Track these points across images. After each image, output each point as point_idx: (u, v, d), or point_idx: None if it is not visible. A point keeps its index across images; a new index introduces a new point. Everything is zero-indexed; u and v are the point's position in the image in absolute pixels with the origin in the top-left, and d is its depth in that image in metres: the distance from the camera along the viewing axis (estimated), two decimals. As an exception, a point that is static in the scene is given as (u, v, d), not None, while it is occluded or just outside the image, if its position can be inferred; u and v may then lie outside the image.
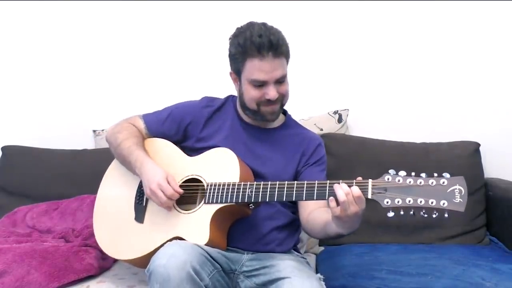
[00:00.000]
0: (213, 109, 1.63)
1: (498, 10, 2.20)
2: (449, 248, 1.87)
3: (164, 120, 1.63)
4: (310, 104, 2.28)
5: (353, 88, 2.32)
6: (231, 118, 1.61)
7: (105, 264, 1.70)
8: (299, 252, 1.64)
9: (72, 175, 2.16)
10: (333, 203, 1.23)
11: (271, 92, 1.47)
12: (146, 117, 1.67)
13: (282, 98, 1.53)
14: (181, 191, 1.44)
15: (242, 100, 1.55)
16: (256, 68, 1.45)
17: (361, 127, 2.28)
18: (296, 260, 1.52)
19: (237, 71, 1.52)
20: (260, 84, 1.47)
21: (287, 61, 1.53)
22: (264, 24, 1.47)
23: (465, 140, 2.11)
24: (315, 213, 1.45)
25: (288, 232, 1.56)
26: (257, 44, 1.42)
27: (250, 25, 1.48)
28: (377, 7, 2.26)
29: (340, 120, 2.22)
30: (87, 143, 2.36)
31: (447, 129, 2.23)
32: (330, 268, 1.71)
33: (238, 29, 1.50)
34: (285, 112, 1.68)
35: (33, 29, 2.43)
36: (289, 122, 1.67)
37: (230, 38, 1.51)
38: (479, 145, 2.09)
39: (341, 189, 1.22)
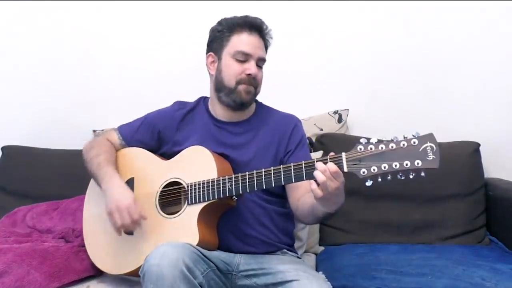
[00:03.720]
0: (185, 111, 1.66)
1: (498, 10, 2.20)
2: (449, 248, 1.87)
3: (137, 128, 1.68)
4: (310, 104, 2.27)
5: (353, 88, 2.32)
6: (203, 118, 1.63)
7: (105, 264, 1.70)
8: (295, 252, 1.63)
9: (72, 175, 2.15)
10: (313, 185, 1.24)
11: (253, 67, 1.52)
12: (120, 128, 1.71)
13: (257, 84, 1.57)
14: (146, 217, 1.46)
15: (219, 80, 1.56)
16: (243, 41, 1.53)
17: (361, 127, 2.28)
18: (294, 261, 1.52)
19: (219, 48, 1.56)
20: (243, 59, 1.53)
21: (266, 52, 1.60)
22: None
23: (465, 140, 2.11)
24: (303, 199, 1.46)
25: (276, 228, 1.55)
26: (249, 21, 1.54)
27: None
28: (377, 7, 2.26)
29: (340, 120, 2.22)
30: (87, 143, 2.36)
31: (447, 129, 2.23)
32: (330, 268, 1.71)
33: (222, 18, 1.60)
34: (255, 101, 1.68)
35: (33, 29, 2.43)
36: (261, 110, 1.67)
37: (213, 26, 1.60)
38: (479, 145, 2.09)
39: (318, 170, 1.23)
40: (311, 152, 1.98)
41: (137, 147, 1.66)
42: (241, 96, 1.54)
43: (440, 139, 2.09)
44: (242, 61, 1.53)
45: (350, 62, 2.30)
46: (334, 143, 2.10)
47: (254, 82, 1.54)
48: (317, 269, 1.75)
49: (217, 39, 1.57)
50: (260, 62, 1.56)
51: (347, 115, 2.25)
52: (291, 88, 2.29)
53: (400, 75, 2.29)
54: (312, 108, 2.24)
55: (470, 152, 2.06)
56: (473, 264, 1.65)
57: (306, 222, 1.60)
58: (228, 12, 1.61)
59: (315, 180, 1.24)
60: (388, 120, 2.29)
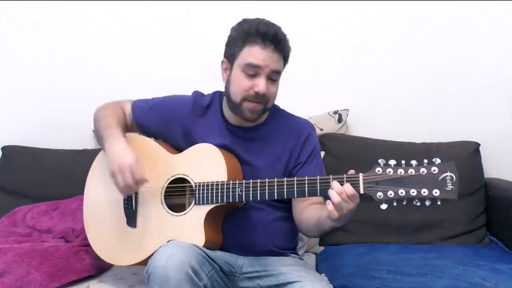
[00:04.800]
0: (203, 107, 1.58)
1: (498, 10, 2.20)
2: (449, 248, 1.87)
3: (150, 108, 1.60)
4: (310, 104, 2.27)
5: (353, 88, 2.32)
6: (216, 119, 1.57)
7: (105, 264, 1.69)
8: (297, 254, 1.62)
9: (72, 175, 2.15)
10: (330, 206, 1.22)
11: (261, 84, 1.41)
12: (135, 103, 1.64)
13: (268, 100, 1.46)
14: (146, 180, 1.40)
15: (227, 92, 1.50)
16: (254, 53, 1.41)
17: (361, 127, 2.28)
18: (298, 263, 1.51)
19: (231, 57, 1.47)
20: (253, 73, 1.41)
21: (284, 65, 1.49)
22: (273, 23, 1.46)
23: (465, 140, 2.11)
24: (308, 212, 1.43)
25: (284, 235, 1.54)
26: (262, 32, 1.40)
27: (259, 18, 1.46)
28: (377, 7, 2.26)
29: (340, 120, 2.22)
30: (87, 143, 2.36)
31: (447, 129, 2.23)
32: (330, 268, 1.71)
33: (244, 19, 1.48)
34: None
35: (32, 29, 2.43)
36: (275, 114, 1.59)
37: (233, 26, 1.49)
38: (479, 145, 2.09)
39: (334, 190, 1.22)
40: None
41: (142, 127, 1.60)
42: (245, 115, 1.47)
43: (440, 139, 2.14)
44: (252, 75, 1.42)
45: (350, 62, 2.30)
46: (334, 143, 2.11)
47: (263, 99, 1.44)
48: (317, 269, 1.75)
49: (231, 46, 1.47)
50: (274, 75, 1.44)
51: (347, 115, 2.24)
52: (291, 88, 2.28)
53: (400, 75, 2.29)
54: (312, 108, 2.24)
55: (470, 152, 2.07)
56: (473, 264, 1.66)
57: (309, 235, 1.57)
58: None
59: (330, 199, 1.22)
60: (388, 120, 2.29)
